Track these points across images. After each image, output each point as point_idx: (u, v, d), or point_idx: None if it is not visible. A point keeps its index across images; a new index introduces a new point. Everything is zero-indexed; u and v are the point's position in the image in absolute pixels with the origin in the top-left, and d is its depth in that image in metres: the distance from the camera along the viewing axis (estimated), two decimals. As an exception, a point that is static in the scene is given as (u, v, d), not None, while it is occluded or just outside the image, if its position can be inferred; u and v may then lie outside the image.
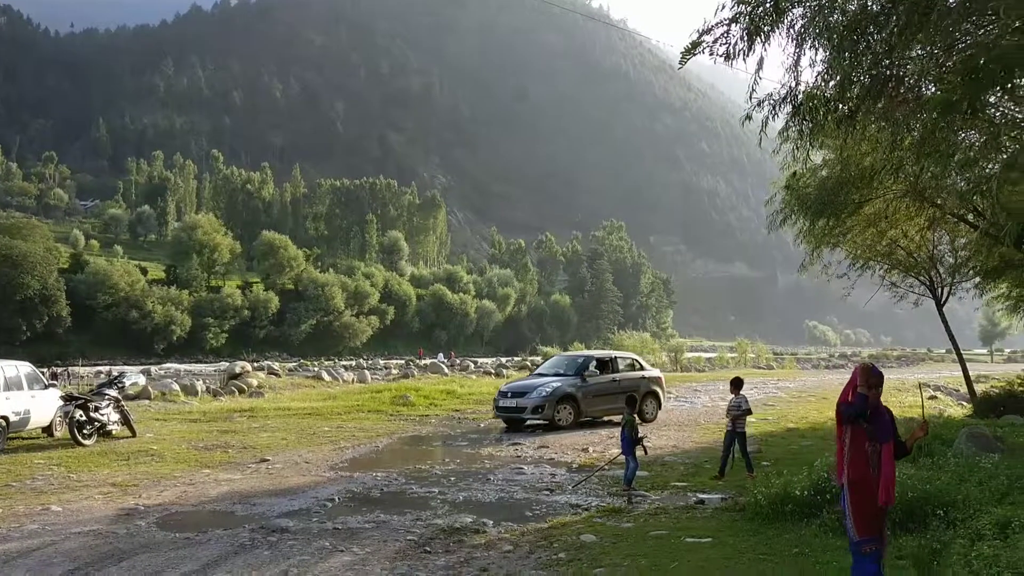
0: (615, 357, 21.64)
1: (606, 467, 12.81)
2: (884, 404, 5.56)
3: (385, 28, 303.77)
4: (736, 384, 12.59)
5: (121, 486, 11.50)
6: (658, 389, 20.65)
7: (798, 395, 30.01)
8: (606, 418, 19.99)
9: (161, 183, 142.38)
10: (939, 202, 16.25)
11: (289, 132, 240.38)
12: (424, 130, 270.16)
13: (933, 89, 7.96)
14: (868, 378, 5.31)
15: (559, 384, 19.16)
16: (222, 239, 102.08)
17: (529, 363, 54.71)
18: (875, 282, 23.01)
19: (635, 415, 11.75)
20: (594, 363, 20.44)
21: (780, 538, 8.06)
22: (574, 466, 13.65)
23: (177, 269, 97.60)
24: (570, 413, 18.79)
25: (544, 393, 18.67)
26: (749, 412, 12.46)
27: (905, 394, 30.62)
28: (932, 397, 29.80)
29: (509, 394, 19.36)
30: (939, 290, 22.34)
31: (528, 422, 18.83)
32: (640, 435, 11.55)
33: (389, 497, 11.07)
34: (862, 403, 5.23)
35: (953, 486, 8.59)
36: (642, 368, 21.41)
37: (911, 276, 22.86)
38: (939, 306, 22.47)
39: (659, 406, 20.65)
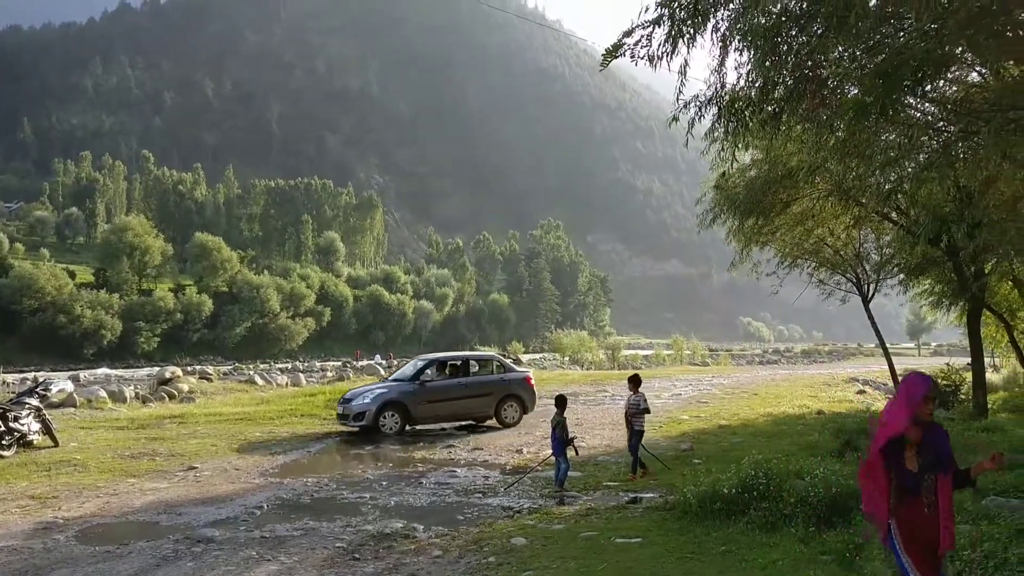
0: (469, 359, 21.07)
1: (539, 468, 12.83)
2: (937, 422, 4.82)
3: (321, 26, 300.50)
4: (634, 382, 12.64)
5: (40, 498, 11.14)
6: (522, 392, 19.88)
7: (732, 391, 30.39)
8: (486, 423, 19.64)
9: (89, 184, 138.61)
10: (863, 201, 16.57)
11: (223, 132, 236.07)
12: (361, 130, 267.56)
13: (855, 91, 8.08)
14: (926, 392, 4.59)
15: (383, 391, 18.60)
16: (153, 241, 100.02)
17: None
18: (804, 279, 23.41)
19: (564, 416, 11.75)
20: (435, 367, 19.78)
21: (708, 536, 8.14)
22: (507, 468, 13.65)
23: (107, 272, 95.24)
24: (396, 421, 18.08)
25: (365, 401, 18.13)
26: (647, 411, 12.56)
27: (834, 389, 31.33)
28: (861, 391, 30.51)
29: (342, 400, 18.98)
30: (865, 286, 22.78)
31: (382, 428, 17.95)
32: (571, 436, 11.61)
33: (319, 503, 10.93)
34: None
35: (876, 481, 8.72)
36: (504, 370, 20.71)
37: (838, 273, 23.28)
38: (865, 302, 22.92)
39: (523, 410, 19.89)
